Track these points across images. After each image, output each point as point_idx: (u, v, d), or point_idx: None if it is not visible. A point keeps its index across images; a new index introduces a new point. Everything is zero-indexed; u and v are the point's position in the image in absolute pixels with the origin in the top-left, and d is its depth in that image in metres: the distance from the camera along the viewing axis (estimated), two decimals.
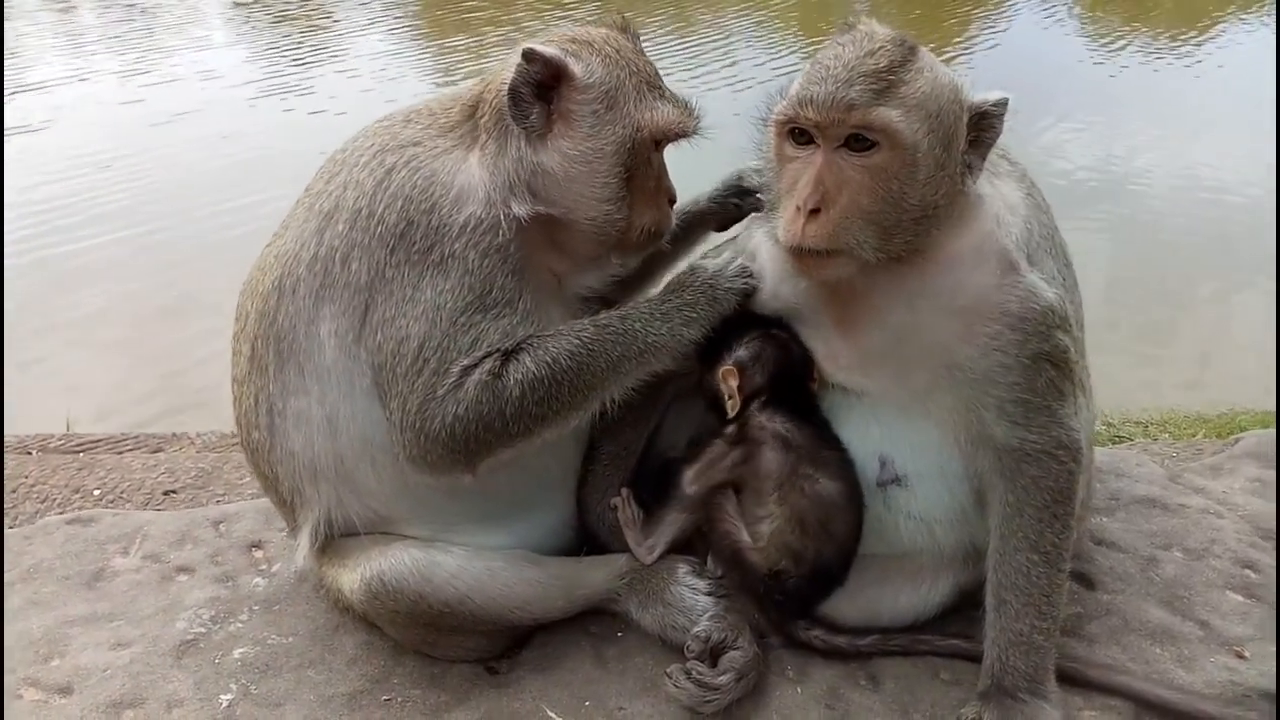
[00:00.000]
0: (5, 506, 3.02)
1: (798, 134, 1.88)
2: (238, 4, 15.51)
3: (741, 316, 2.17)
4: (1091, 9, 15.48)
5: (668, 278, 2.33)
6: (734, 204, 2.44)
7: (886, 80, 1.80)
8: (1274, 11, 13.90)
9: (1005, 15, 14.40)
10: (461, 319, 1.98)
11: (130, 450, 3.51)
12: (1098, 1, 15.87)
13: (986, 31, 13.45)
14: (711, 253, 2.37)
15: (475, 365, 1.98)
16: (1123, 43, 13.12)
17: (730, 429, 2.19)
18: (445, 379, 1.97)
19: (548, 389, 1.99)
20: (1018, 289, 1.96)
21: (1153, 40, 13.26)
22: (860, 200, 1.84)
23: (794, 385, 2.15)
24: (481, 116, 2.10)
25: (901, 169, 1.83)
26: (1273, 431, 3.21)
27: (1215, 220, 7.79)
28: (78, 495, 3.10)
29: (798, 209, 1.84)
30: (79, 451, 3.48)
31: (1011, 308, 1.96)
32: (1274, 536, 2.62)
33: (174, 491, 3.14)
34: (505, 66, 2.08)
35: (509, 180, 2.03)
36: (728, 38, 12.59)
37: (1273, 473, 2.92)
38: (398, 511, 2.16)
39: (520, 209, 2.02)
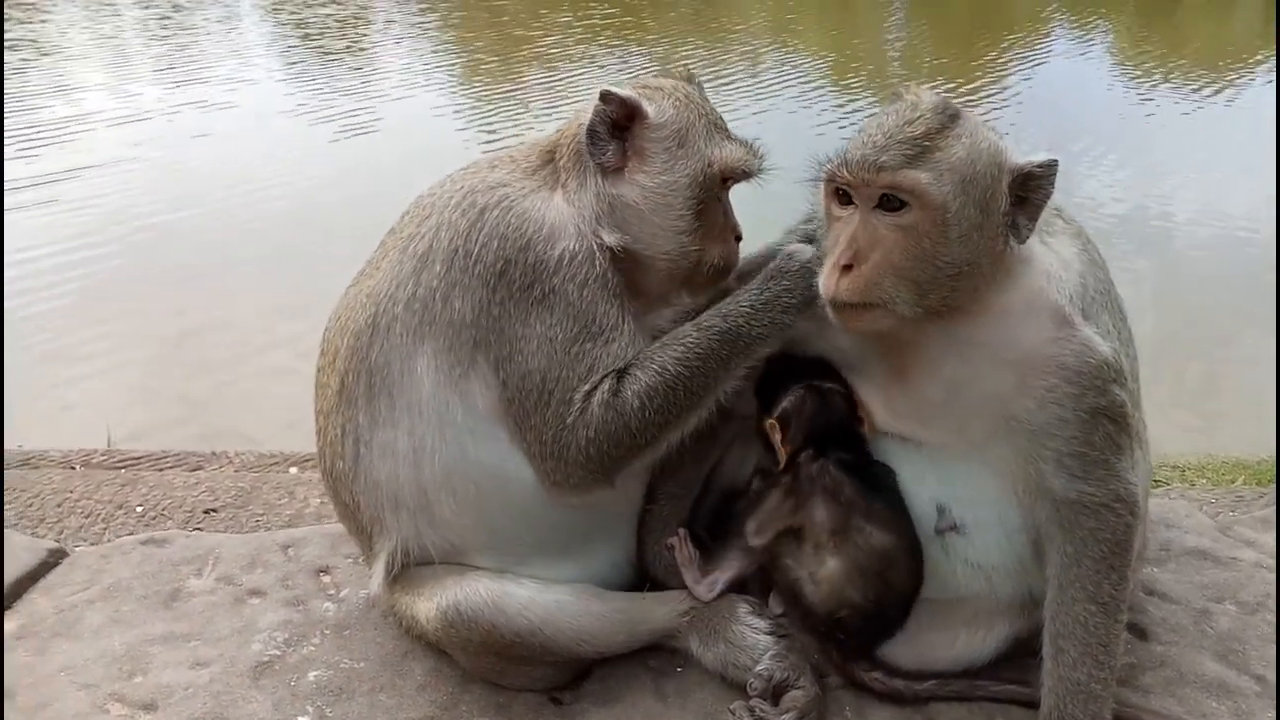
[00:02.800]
0: (52, 520, 3.14)
1: (841, 194, 2.00)
2: (274, 23, 15.90)
3: (794, 363, 2.24)
4: (1127, 49, 15.55)
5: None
6: None
7: (921, 146, 1.91)
8: None
9: (1040, 59, 14.49)
10: (574, 349, 2.09)
11: (171, 468, 3.62)
12: (1133, 41, 15.95)
13: (1022, 76, 13.53)
14: (790, 235, 2.41)
15: (595, 389, 2.10)
16: (1157, 82, 13.15)
17: (785, 478, 2.24)
18: (571, 407, 2.09)
19: (664, 396, 2.10)
20: (1073, 343, 2.02)
21: (1187, 82, 13.29)
22: (892, 257, 1.93)
23: (841, 435, 2.20)
24: (560, 159, 2.25)
25: (932, 229, 1.92)
26: None
27: (1248, 262, 7.78)
28: (121, 511, 3.20)
29: (833, 264, 1.96)
30: (121, 468, 3.58)
31: (1068, 361, 2.02)
32: None
33: (214, 510, 3.23)
34: (580, 113, 2.23)
35: (595, 213, 2.17)
36: (760, 82, 12.74)
37: None
38: (472, 543, 2.25)
39: (610, 238, 2.15)
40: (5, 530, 2.90)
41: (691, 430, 2.19)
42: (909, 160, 1.90)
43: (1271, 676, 2.34)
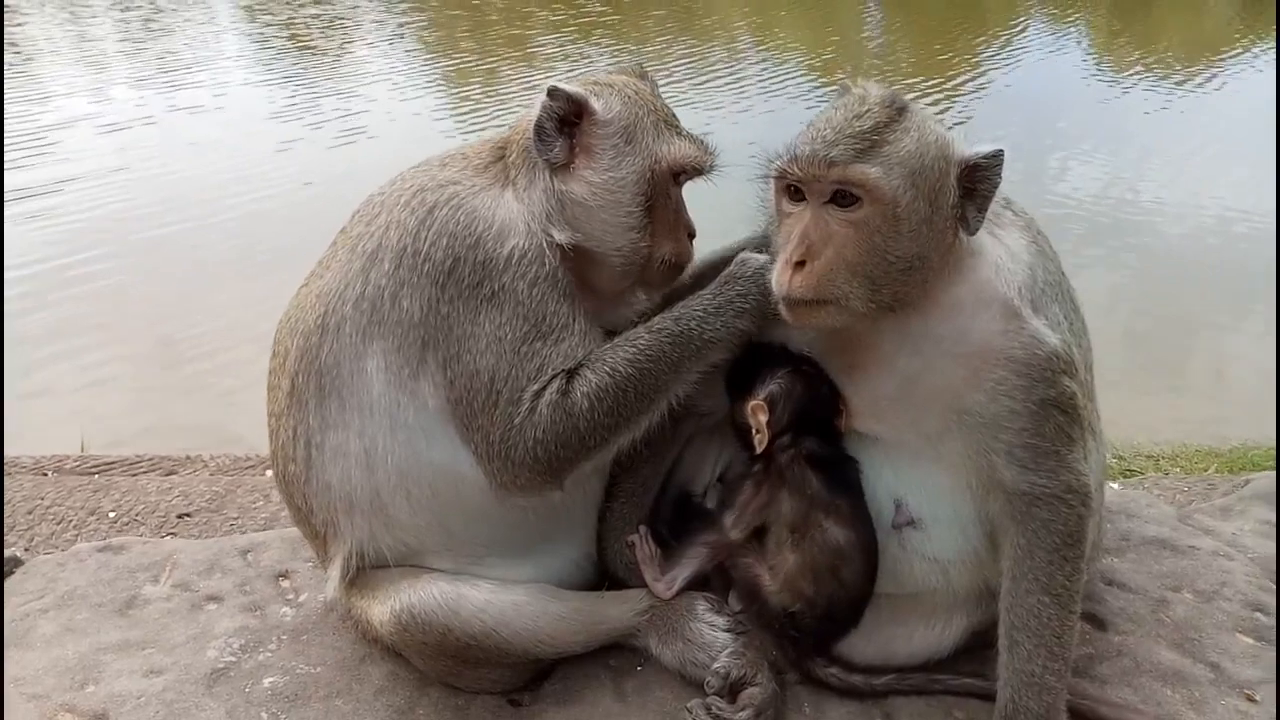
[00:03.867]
0: (23, 528, 3.10)
1: (792, 190, 1.99)
2: (243, 25, 15.78)
3: (771, 351, 2.23)
4: (1102, 42, 15.66)
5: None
6: None
7: (870, 140, 1.91)
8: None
9: (1016, 56, 14.56)
10: (524, 348, 2.08)
11: (145, 473, 3.59)
12: (1109, 34, 16.06)
13: (998, 67, 13.60)
14: (747, 242, 2.39)
15: (544, 388, 2.08)
16: (1134, 75, 13.25)
17: (757, 469, 2.24)
18: (519, 407, 2.08)
19: (614, 398, 2.09)
20: (1022, 335, 2.03)
21: (1164, 73, 13.40)
22: (845, 253, 1.93)
23: (822, 422, 2.19)
24: (510, 156, 2.23)
25: (884, 223, 1.92)
26: None
27: (1226, 251, 7.86)
28: (93, 517, 3.17)
29: (785, 261, 1.95)
30: (94, 473, 3.56)
31: (1016, 354, 2.02)
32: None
33: (188, 515, 3.21)
34: (530, 109, 2.21)
35: (545, 210, 2.15)
36: (739, 80, 12.75)
37: None
38: (428, 544, 2.23)
39: (560, 235, 2.14)
40: None
41: (642, 434, 2.18)
42: (858, 155, 1.90)
43: (1225, 663, 2.36)
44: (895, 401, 2.13)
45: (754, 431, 2.19)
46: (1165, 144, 10.61)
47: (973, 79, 12.86)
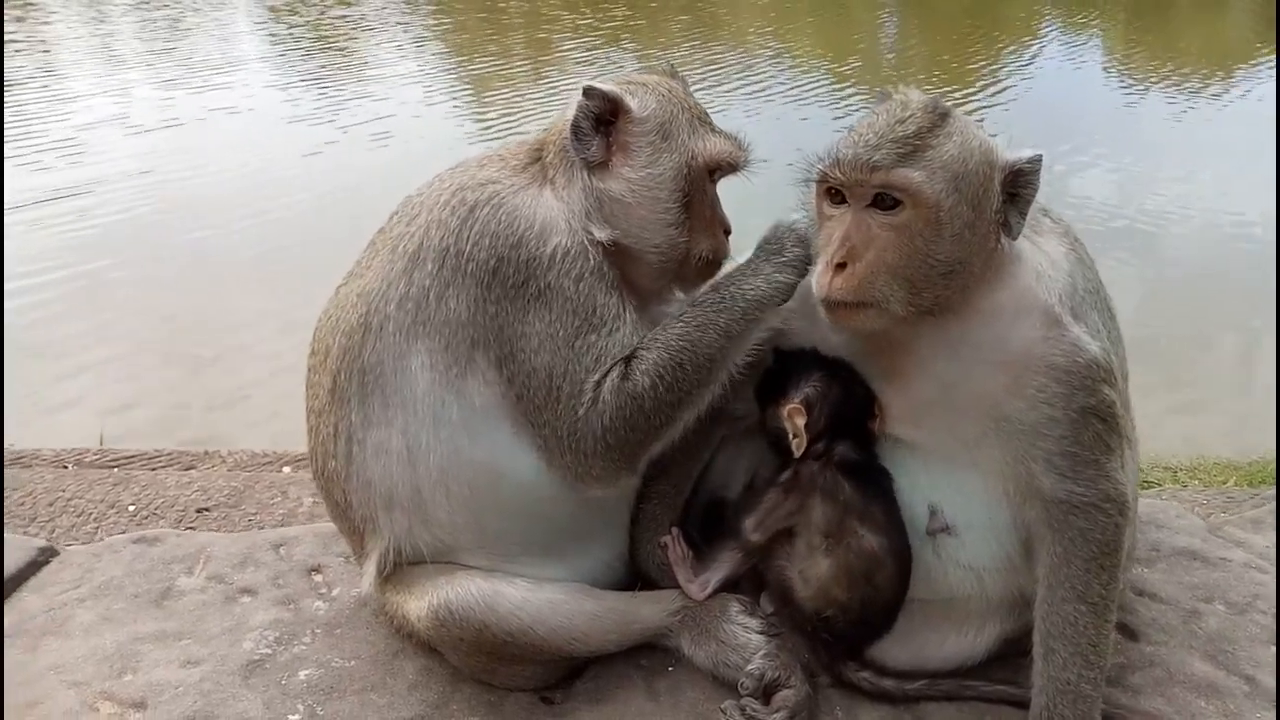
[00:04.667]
0: (44, 519, 3.13)
1: (834, 193, 2.00)
2: (271, 26, 15.86)
3: (804, 356, 2.23)
4: (1120, 50, 15.60)
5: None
6: None
7: (912, 145, 1.92)
8: None
9: (1032, 63, 14.52)
10: (578, 343, 2.09)
11: (164, 467, 3.61)
12: (1126, 43, 16.00)
13: (1014, 75, 13.57)
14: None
15: (604, 377, 2.10)
16: (1151, 83, 13.19)
17: (785, 475, 2.24)
18: (581, 399, 2.09)
19: (674, 373, 2.10)
20: (1063, 343, 2.03)
21: (1181, 81, 13.34)
22: (886, 256, 1.94)
23: (856, 426, 2.20)
24: (547, 156, 2.26)
25: (926, 227, 1.93)
26: None
27: (1243, 262, 7.81)
28: (113, 510, 3.20)
29: (827, 263, 1.96)
30: (114, 466, 3.58)
31: (1057, 361, 2.02)
32: None
33: (207, 509, 3.23)
34: (565, 109, 2.24)
35: (584, 209, 2.17)
36: (762, 86, 12.75)
37: None
38: (464, 542, 2.24)
39: (601, 233, 2.16)
40: None
41: (704, 408, 2.18)
42: (902, 159, 1.91)
43: (1261, 676, 2.36)
44: (933, 407, 2.14)
45: (791, 435, 2.18)
46: (1185, 152, 10.55)
47: (988, 86, 12.83)
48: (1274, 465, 3.96)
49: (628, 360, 2.12)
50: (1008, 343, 2.04)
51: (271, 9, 17.13)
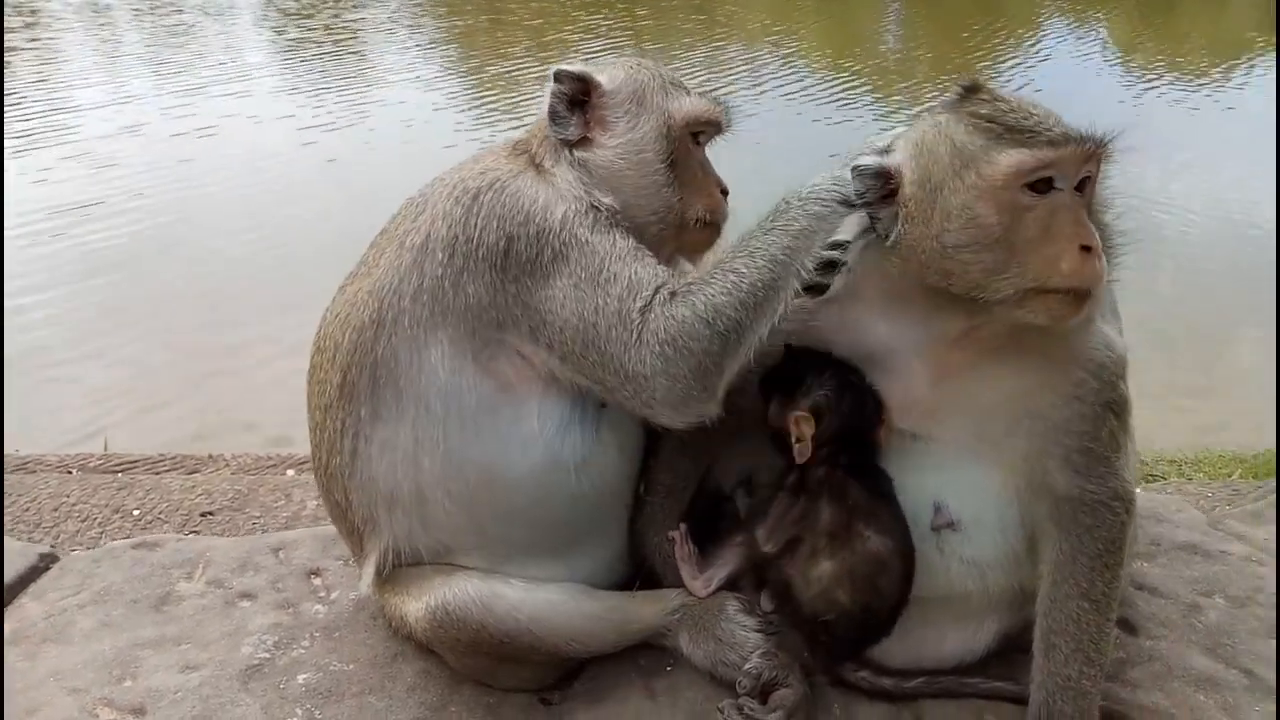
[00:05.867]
0: (48, 525, 3.14)
1: (1038, 183, 1.90)
2: (274, 29, 15.87)
3: (815, 357, 2.20)
4: (1124, 42, 15.54)
5: None
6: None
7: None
8: None
9: (1036, 54, 14.48)
10: (603, 277, 2.06)
11: (168, 471, 3.63)
12: (1131, 36, 15.94)
13: (1020, 69, 13.53)
14: None
15: (650, 298, 2.04)
16: (1156, 76, 13.14)
17: (792, 478, 2.22)
18: (629, 325, 2.03)
19: (732, 280, 2.03)
20: (1098, 337, 2.04)
21: (1185, 74, 13.28)
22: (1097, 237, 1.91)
23: (864, 435, 2.17)
24: (534, 146, 2.30)
25: (1098, 205, 1.95)
26: None
27: (1246, 257, 7.78)
28: (118, 515, 3.21)
29: (1084, 249, 1.85)
30: (117, 471, 3.60)
31: (1095, 356, 2.03)
32: None
33: (211, 513, 3.24)
34: (543, 100, 2.29)
35: (580, 181, 2.20)
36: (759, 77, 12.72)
37: None
38: (463, 542, 2.25)
39: (605, 199, 2.18)
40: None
41: (777, 315, 2.05)
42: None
43: (1260, 670, 2.35)
44: (963, 403, 2.11)
45: (794, 440, 2.17)
46: (1183, 144, 10.53)
47: (991, 76, 12.80)
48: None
49: (672, 289, 2.06)
50: (1050, 338, 2.01)
51: (282, 11, 17.15)
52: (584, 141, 2.23)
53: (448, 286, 2.12)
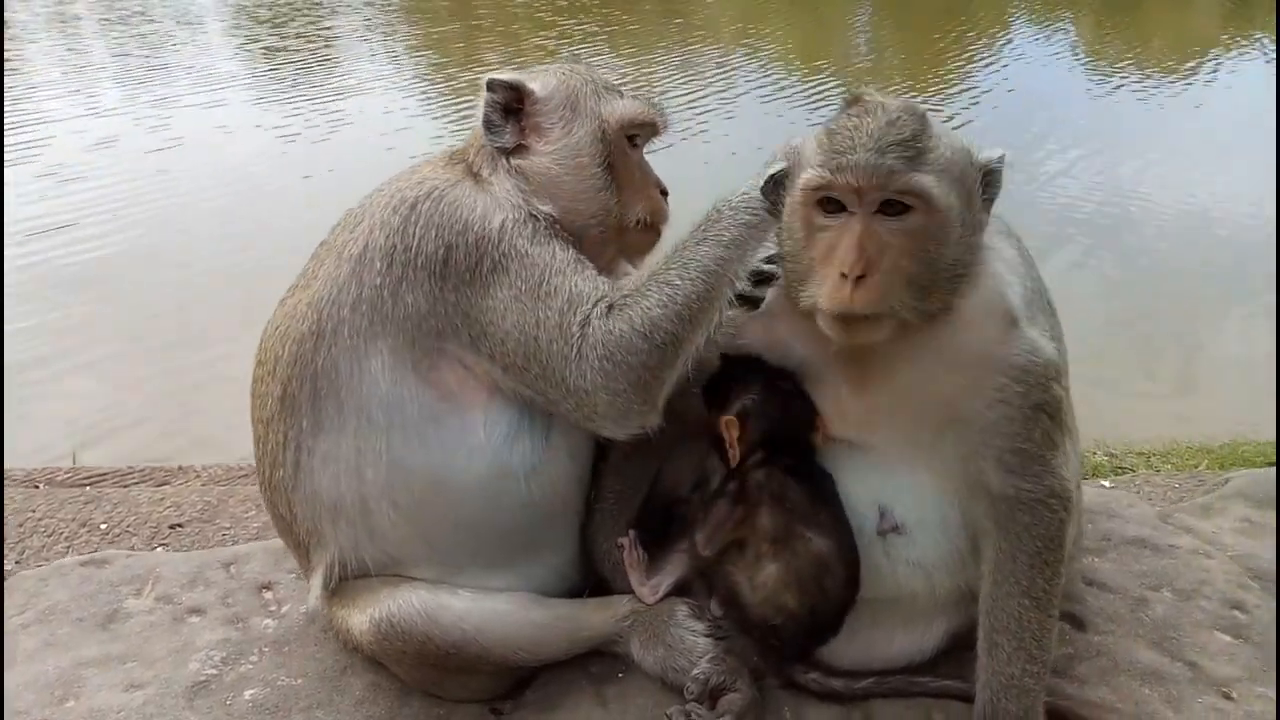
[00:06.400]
0: (13, 541, 3.09)
1: (827, 202, 1.93)
2: (248, 37, 15.75)
3: (748, 364, 2.22)
4: (1091, 41, 15.72)
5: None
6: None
7: (914, 148, 1.87)
8: (1274, 42, 14.08)
9: (1003, 54, 14.62)
10: (543, 290, 2.07)
11: (136, 484, 3.58)
12: (1097, 34, 16.13)
13: (988, 68, 13.65)
14: None
15: (589, 312, 2.06)
16: (1122, 75, 13.30)
17: (731, 485, 2.23)
18: (569, 339, 2.04)
19: (669, 292, 2.05)
20: (1021, 342, 2.04)
21: (1151, 71, 13.46)
22: (900, 263, 1.88)
23: (795, 439, 2.19)
24: (470, 156, 2.31)
25: (937, 230, 1.90)
26: (1262, 472, 3.27)
27: (1215, 249, 7.89)
28: (85, 529, 3.16)
29: (843, 275, 1.87)
30: (86, 484, 3.53)
31: (1016, 361, 2.03)
32: (1265, 577, 2.68)
33: (180, 525, 3.19)
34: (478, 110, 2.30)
35: (518, 189, 2.21)
36: (729, 80, 12.77)
37: (1261, 512, 2.97)
38: (410, 554, 2.23)
39: (543, 206, 2.19)
40: None
41: (712, 324, 2.10)
42: (909, 163, 1.85)
43: (1203, 662, 2.38)
44: (891, 410, 2.13)
45: (726, 445, 2.20)
46: (1153, 141, 10.67)
47: (961, 79, 12.91)
48: (1247, 448, 4.01)
49: (609, 302, 2.07)
50: (970, 345, 2.03)
51: (254, 19, 17.02)
52: (520, 149, 2.24)
53: (386, 295, 2.11)
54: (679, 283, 2.05)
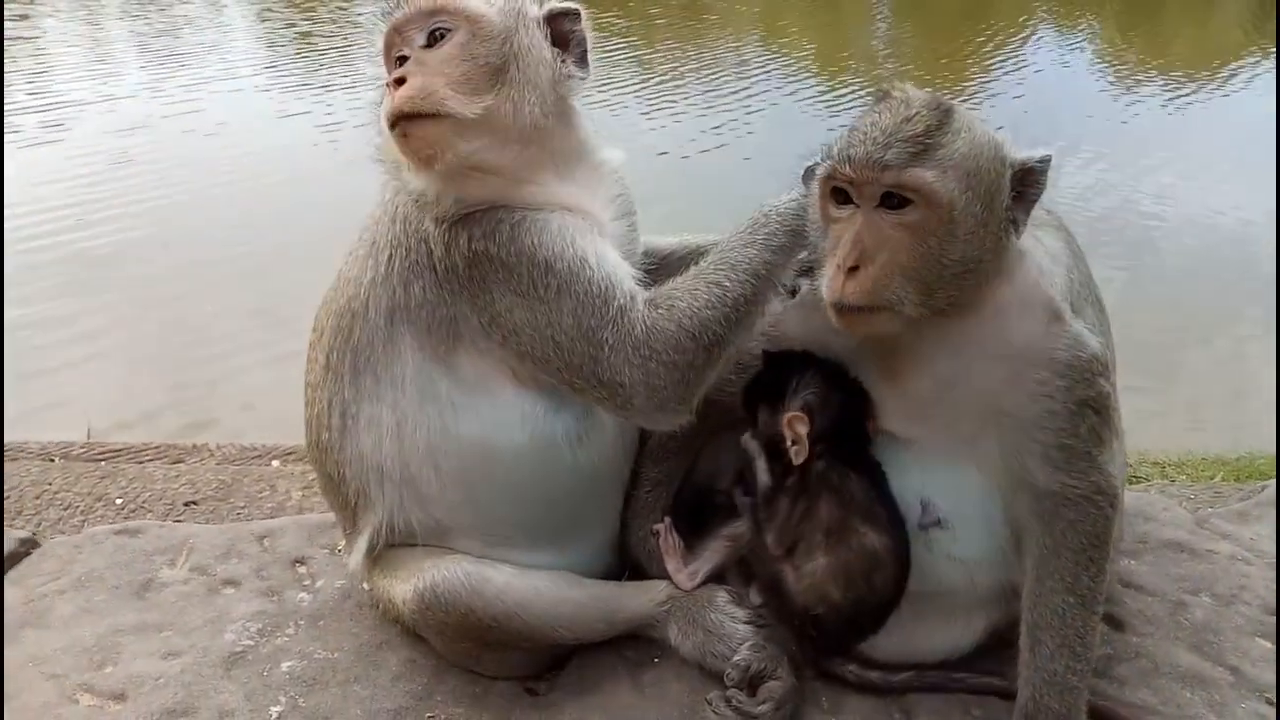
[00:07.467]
0: (30, 513, 3.10)
1: (839, 194, 1.95)
2: (264, 19, 15.73)
3: (795, 358, 2.21)
4: (1111, 47, 15.64)
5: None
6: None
7: (923, 143, 1.87)
8: None
9: (1025, 57, 14.55)
10: (577, 284, 2.05)
11: (151, 460, 3.58)
12: (1117, 40, 16.04)
13: (1007, 75, 13.58)
14: None
15: (629, 302, 2.05)
16: (1142, 80, 13.23)
17: (791, 481, 2.20)
18: (602, 328, 2.03)
19: (709, 291, 2.06)
20: (1064, 337, 2.02)
21: (1172, 78, 13.38)
22: (899, 257, 1.89)
23: (855, 430, 2.17)
24: None
25: (939, 226, 1.88)
26: None
27: (1229, 260, 7.84)
28: (100, 503, 3.16)
29: (838, 267, 1.90)
30: (101, 460, 3.54)
31: (1059, 355, 2.01)
32: None
33: (195, 503, 3.20)
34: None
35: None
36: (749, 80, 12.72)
37: None
38: (457, 522, 2.23)
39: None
40: None
41: (756, 323, 2.13)
42: (912, 158, 1.86)
43: (1245, 667, 2.36)
44: (932, 404, 2.11)
45: (790, 442, 2.16)
46: (1172, 150, 10.58)
47: (981, 83, 12.85)
48: (1263, 461, 3.98)
49: (647, 297, 2.08)
50: (1011, 338, 2.02)
51: (267, 8, 17.01)
52: None
53: (397, 284, 2.15)
54: (729, 284, 2.06)
